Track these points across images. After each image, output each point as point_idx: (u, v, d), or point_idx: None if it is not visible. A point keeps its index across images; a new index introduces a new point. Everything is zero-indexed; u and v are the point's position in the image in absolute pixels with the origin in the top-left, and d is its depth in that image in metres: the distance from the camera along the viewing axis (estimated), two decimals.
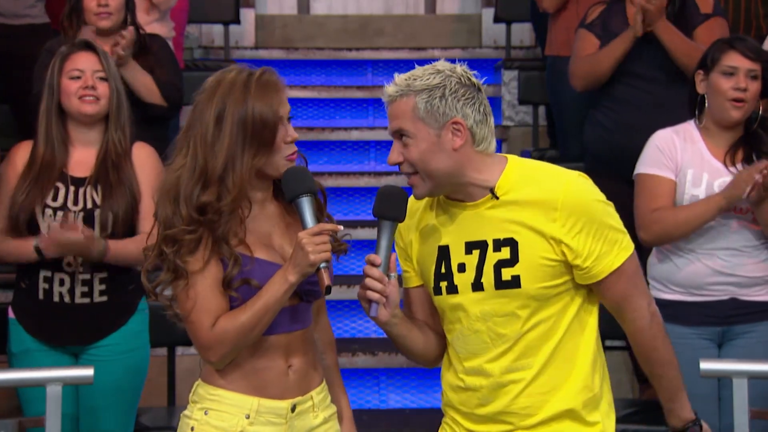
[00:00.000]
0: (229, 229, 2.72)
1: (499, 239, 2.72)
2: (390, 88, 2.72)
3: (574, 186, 2.73)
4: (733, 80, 4.00)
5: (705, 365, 3.55)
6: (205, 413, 2.79)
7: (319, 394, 2.86)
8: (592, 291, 2.78)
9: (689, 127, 4.09)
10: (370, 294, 2.68)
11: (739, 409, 3.49)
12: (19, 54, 5.54)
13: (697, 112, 4.09)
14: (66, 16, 4.84)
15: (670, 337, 4.01)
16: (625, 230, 2.76)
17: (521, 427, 2.75)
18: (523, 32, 7.73)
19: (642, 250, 4.44)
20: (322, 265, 2.67)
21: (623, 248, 2.74)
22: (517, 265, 2.70)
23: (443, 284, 2.77)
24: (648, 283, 4.12)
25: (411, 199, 2.82)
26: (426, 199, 2.81)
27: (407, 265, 2.85)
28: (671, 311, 4.02)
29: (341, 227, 2.73)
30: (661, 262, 4.09)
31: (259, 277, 2.73)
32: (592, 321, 2.81)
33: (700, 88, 4.07)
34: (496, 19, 7.51)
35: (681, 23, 4.84)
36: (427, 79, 2.70)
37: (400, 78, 2.72)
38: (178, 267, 2.71)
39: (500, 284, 2.71)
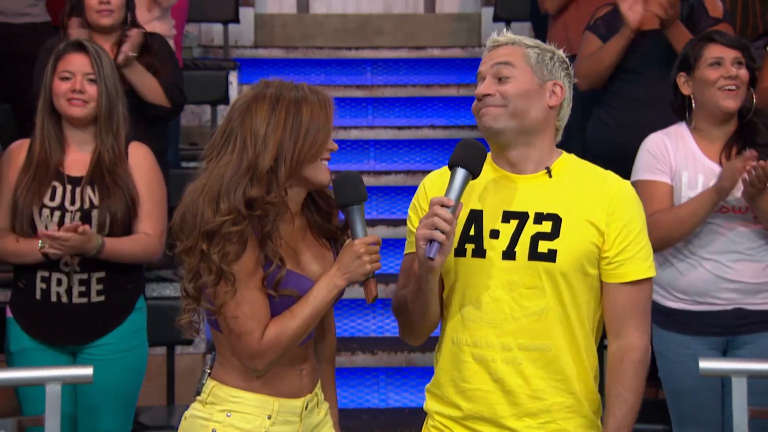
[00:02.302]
0: (275, 228, 2.70)
1: (542, 213, 2.72)
2: (499, 37, 2.81)
3: (629, 188, 2.82)
4: (722, 69, 3.99)
5: (704, 364, 3.54)
6: (228, 415, 2.79)
7: (318, 389, 2.91)
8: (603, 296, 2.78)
9: (680, 128, 4.06)
10: (436, 234, 2.58)
11: (739, 408, 3.49)
12: (20, 53, 5.54)
13: (686, 115, 4.07)
14: (67, 15, 4.85)
15: (674, 346, 4.02)
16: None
17: (529, 412, 2.72)
18: (522, 31, 7.71)
19: None
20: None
21: (653, 267, 2.79)
22: (557, 240, 2.70)
23: (469, 246, 2.73)
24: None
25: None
26: None
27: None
28: (675, 320, 4.00)
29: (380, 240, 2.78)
30: (663, 268, 4.05)
31: (296, 288, 2.75)
32: (597, 331, 2.82)
33: (685, 89, 4.05)
34: (496, 18, 7.51)
35: (689, 25, 4.83)
36: (537, 43, 2.81)
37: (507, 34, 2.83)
38: (224, 271, 2.66)
39: (534, 255, 2.70)
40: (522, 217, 2.72)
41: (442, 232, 2.58)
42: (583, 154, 5.14)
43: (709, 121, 4.02)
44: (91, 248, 3.75)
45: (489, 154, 2.81)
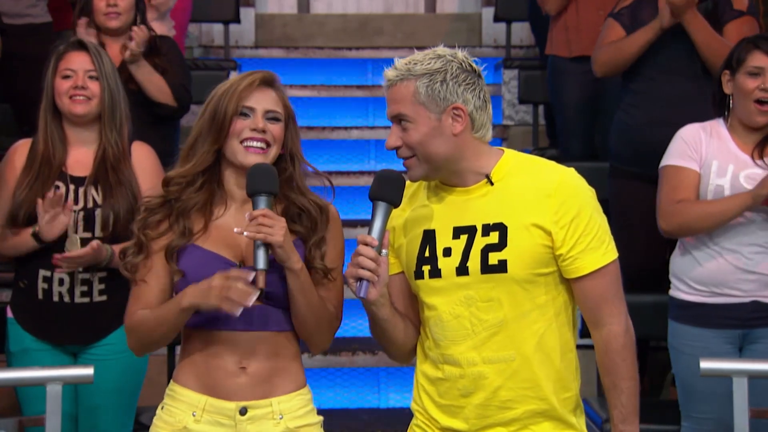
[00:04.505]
0: (192, 206, 2.79)
1: (489, 224, 2.71)
2: (389, 73, 2.74)
3: (570, 177, 2.75)
4: (759, 80, 3.97)
5: (705, 364, 3.54)
6: (162, 408, 2.86)
7: (286, 402, 2.85)
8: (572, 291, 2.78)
9: (717, 123, 4.05)
10: (362, 272, 2.65)
11: (739, 408, 3.49)
12: (20, 53, 5.54)
13: (726, 112, 4.05)
14: (77, 17, 4.86)
15: (689, 340, 4.01)
16: (611, 235, 2.78)
17: (500, 422, 2.74)
18: (522, 31, 7.73)
19: (659, 248, 4.39)
20: (261, 267, 2.67)
21: (610, 250, 2.75)
22: (505, 250, 2.69)
23: (426, 268, 2.75)
24: (670, 281, 4.10)
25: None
26: (415, 183, 2.80)
27: (388, 251, 2.77)
28: (692, 313, 3.99)
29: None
30: (684, 257, 4.04)
31: (196, 268, 2.75)
32: (572, 322, 2.81)
33: (727, 88, 4.04)
34: (496, 19, 7.51)
35: (712, 18, 4.79)
36: (428, 64, 2.71)
37: (400, 62, 2.74)
38: (140, 239, 2.81)
39: (486, 268, 2.70)
40: (470, 231, 2.72)
41: (370, 269, 2.63)
42: (583, 155, 5.18)
43: (743, 125, 4.01)
44: (101, 260, 3.78)
45: None
